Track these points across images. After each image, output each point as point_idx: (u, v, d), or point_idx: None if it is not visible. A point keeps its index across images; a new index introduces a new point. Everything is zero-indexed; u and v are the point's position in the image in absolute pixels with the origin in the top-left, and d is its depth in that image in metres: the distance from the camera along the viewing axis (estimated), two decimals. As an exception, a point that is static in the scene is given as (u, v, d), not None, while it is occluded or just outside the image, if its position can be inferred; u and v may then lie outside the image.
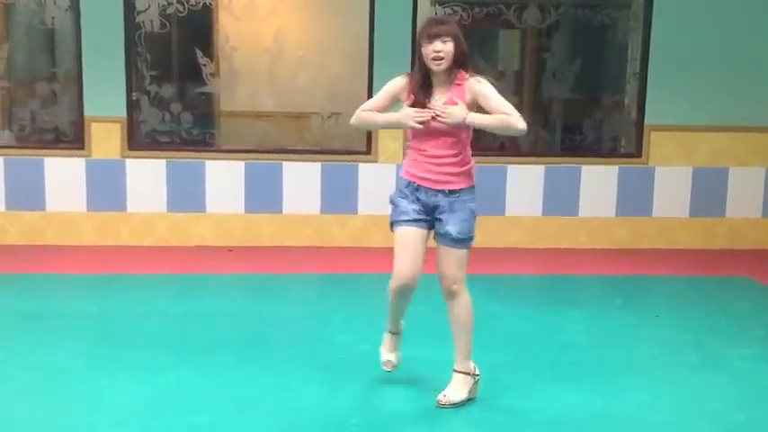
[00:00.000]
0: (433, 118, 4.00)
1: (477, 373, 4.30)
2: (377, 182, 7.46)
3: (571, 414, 4.14)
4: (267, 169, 7.66)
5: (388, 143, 7.59)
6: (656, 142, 7.83)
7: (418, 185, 4.10)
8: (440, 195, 4.08)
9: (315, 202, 7.69)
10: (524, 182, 7.83)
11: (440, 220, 4.10)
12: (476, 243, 7.76)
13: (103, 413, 4.05)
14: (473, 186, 4.17)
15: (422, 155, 4.10)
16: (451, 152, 4.07)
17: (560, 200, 7.87)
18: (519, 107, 8.45)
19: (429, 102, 4.05)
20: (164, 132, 7.76)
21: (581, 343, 5.26)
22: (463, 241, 4.12)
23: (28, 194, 7.54)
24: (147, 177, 7.59)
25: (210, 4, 7.71)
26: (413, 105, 4.07)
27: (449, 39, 3.99)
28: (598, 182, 7.86)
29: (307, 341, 5.15)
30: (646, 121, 7.80)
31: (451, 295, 4.21)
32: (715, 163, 7.91)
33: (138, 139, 7.63)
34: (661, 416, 4.18)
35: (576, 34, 8.33)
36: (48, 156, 7.54)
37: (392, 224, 4.20)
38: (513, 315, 5.81)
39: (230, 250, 7.54)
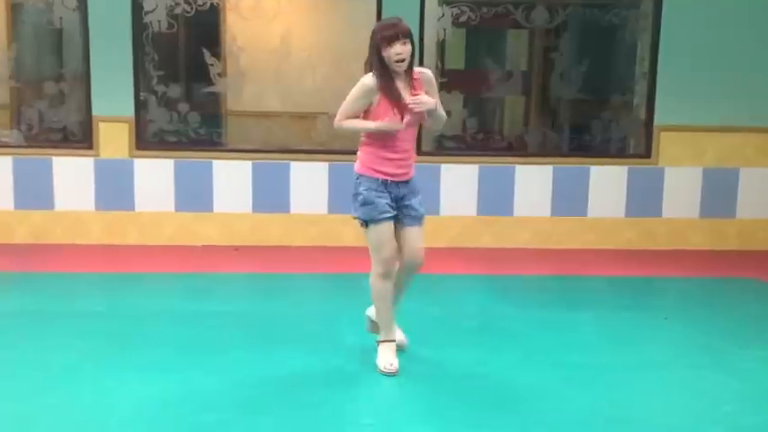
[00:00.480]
0: (409, 111, 4.36)
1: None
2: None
3: (581, 416, 4.11)
4: (274, 169, 7.65)
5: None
6: (665, 143, 7.80)
7: (390, 181, 4.48)
8: (403, 185, 4.52)
9: (322, 201, 7.68)
10: (533, 182, 7.80)
11: (406, 206, 4.54)
12: (484, 243, 7.78)
13: (111, 412, 4.03)
14: None
15: (390, 152, 4.46)
16: (411, 146, 4.56)
17: (569, 200, 7.84)
18: (527, 107, 8.59)
19: (402, 99, 4.37)
20: (171, 132, 7.76)
21: (590, 344, 5.23)
22: (424, 216, 4.62)
23: (36, 194, 7.55)
24: (154, 177, 7.60)
25: (218, 4, 7.71)
26: (390, 105, 4.36)
27: (407, 40, 4.34)
28: (607, 182, 7.83)
29: (315, 341, 5.13)
30: (655, 122, 7.77)
31: (417, 268, 4.66)
32: (725, 163, 7.87)
33: (146, 139, 7.64)
34: (672, 418, 4.14)
35: (585, 34, 8.30)
36: (56, 155, 7.55)
37: (370, 221, 4.50)
38: (522, 316, 5.78)
39: (237, 250, 7.54)
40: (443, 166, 7.74)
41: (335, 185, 7.64)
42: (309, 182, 7.67)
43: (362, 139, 4.57)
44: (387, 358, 4.61)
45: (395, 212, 4.52)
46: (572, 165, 7.85)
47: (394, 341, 4.69)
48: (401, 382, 4.50)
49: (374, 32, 4.43)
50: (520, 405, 4.24)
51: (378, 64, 4.37)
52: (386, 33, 4.33)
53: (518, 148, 8.11)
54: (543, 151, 8.10)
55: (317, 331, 5.31)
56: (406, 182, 4.56)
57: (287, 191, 7.67)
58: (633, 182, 7.86)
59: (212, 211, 7.69)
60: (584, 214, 7.88)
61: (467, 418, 4.05)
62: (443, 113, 4.65)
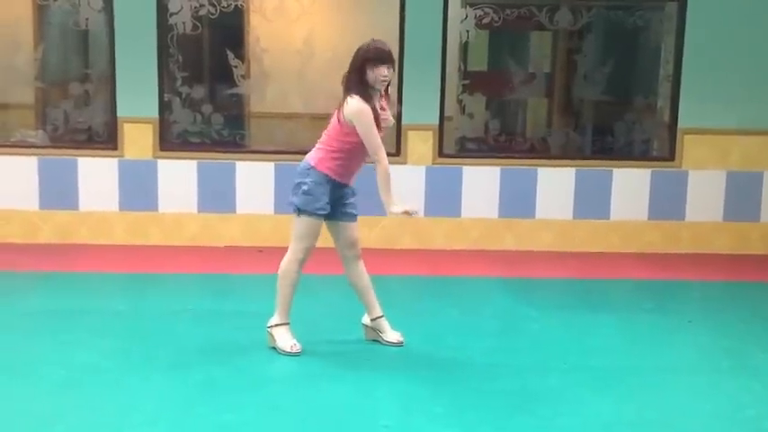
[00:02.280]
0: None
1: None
2: (406, 183, 7.42)
3: (602, 420, 4.10)
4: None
5: (417, 145, 7.58)
6: (689, 145, 7.75)
7: (336, 182, 4.82)
8: (345, 186, 4.88)
9: (344, 203, 7.68)
10: (555, 185, 7.77)
11: (345, 204, 4.91)
12: (505, 246, 7.75)
13: (134, 411, 4.07)
14: None
15: (356, 165, 4.87)
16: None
17: (592, 203, 7.81)
18: (550, 109, 8.56)
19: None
20: (195, 133, 7.81)
21: (612, 347, 5.21)
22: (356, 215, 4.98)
23: (61, 194, 7.62)
24: (178, 178, 7.64)
25: (242, 5, 7.75)
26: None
27: (392, 66, 4.76)
28: (630, 185, 7.79)
29: (336, 342, 5.15)
30: (679, 125, 7.72)
31: (359, 257, 5.00)
32: (749, 167, 7.81)
33: (170, 140, 7.69)
34: (694, 422, 4.12)
35: (609, 36, 8.27)
36: (81, 156, 7.62)
37: (305, 212, 4.82)
38: (544, 319, 5.76)
39: (260, 251, 7.56)
40: (465, 168, 7.73)
41: (358, 187, 7.59)
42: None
43: (332, 146, 4.81)
44: (287, 340, 4.91)
45: (327, 212, 4.83)
46: (595, 167, 7.81)
47: (288, 323, 4.97)
48: (419, 383, 4.51)
49: (363, 50, 4.74)
50: (540, 408, 4.23)
51: (359, 81, 4.71)
52: (378, 54, 4.69)
53: (540, 150, 8.09)
54: (566, 153, 8.07)
55: (338, 331, 5.33)
56: (348, 186, 4.92)
57: (309, 192, 7.67)
58: (656, 184, 7.81)
59: (235, 211, 7.73)
60: (607, 217, 7.84)
61: (486, 421, 4.05)
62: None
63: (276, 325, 4.96)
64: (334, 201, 4.86)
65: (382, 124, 4.81)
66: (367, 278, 5.06)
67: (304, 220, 4.84)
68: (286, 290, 4.98)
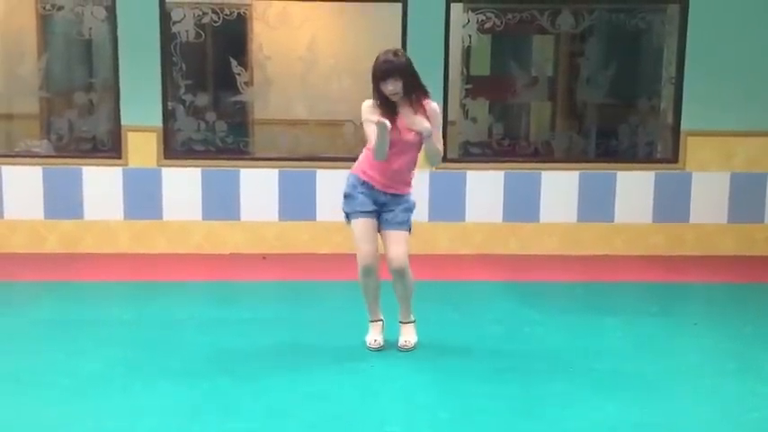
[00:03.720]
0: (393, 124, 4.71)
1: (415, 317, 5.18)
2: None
3: (608, 423, 4.10)
4: (301, 177, 7.69)
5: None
6: (692, 147, 7.74)
7: (373, 186, 4.88)
8: (387, 195, 4.90)
9: (348, 209, 7.69)
10: (559, 188, 7.77)
11: (388, 211, 4.92)
12: (510, 250, 7.76)
13: (140, 420, 4.08)
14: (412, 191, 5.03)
15: (384, 163, 4.82)
16: (405, 167, 4.89)
17: (596, 206, 7.81)
18: (553, 112, 8.56)
19: (396, 117, 4.78)
20: (199, 141, 7.83)
21: (618, 351, 5.21)
22: (406, 223, 4.97)
23: (66, 203, 7.64)
24: (182, 185, 7.66)
25: (245, 13, 7.77)
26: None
27: (398, 76, 4.70)
28: (634, 188, 7.79)
29: (341, 348, 5.15)
30: (682, 127, 7.72)
31: (398, 271, 4.96)
32: (753, 168, 7.80)
33: (174, 148, 7.71)
34: (700, 425, 4.12)
35: (611, 39, 8.27)
36: (85, 165, 7.64)
37: (350, 214, 5.00)
38: (549, 322, 5.76)
39: (264, 258, 7.58)
40: (469, 173, 7.74)
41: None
42: (336, 189, 7.63)
43: (365, 150, 4.97)
44: (370, 335, 5.13)
45: (373, 210, 4.91)
46: (599, 170, 7.81)
47: (380, 321, 5.16)
48: (425, 388, 4.52)
49: (373, 66, 4.79)
50: (546, 411, 4.23)
51: (377, 93, 4.80)
52: (379, 71, 4.74)
53: (544, 154, 8.09)
54: (569, 157, 8.08)
55: (344, 338, 5.33)
56: (393, 194, 4.92)
57: (313, 198, 7.70)
58: (660, 187, 7.80)
59: (239, 218, 7.74)
60: (612, 220, 7.84)
61: (492, 426, 4.06)
62: (440, 148, 4.90)
63: (370, 321, 5.20)
64: (380, 206, 4.94)
65: (403, 130, 4.79)
66: (398, 296, 5.14)
67: (352, 224, 5.01)
68: (364, 296, 5.17)
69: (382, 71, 4.73)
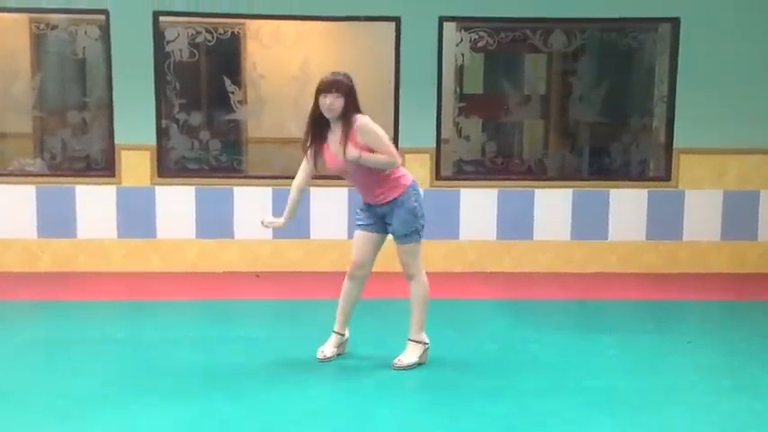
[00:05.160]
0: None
1: (428, 342, 5.15)
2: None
3: (604, 440, 4.09)
4: (295, 195, 7.67)
5: (415, 168, 7.56)
6: (685, 165, 7.78)
7: (365, 203, 5.12)
8: (380, 206, 5.02)
9: (342, 226, 7.70)
10: (552, 206, 7.80)
11: (387, 223, 5.05)
12: (504, 267, 7.72)
13: (134, 439, 4.06)
14: (406, 191, 4.99)
15: (357, 185, 5.10)
16: (364, 182, 4.99)
17: (589, 224, 7.83)
18: (546, 131, 8.59)
19: (325, 143, 4.97)
20: (192, 159, 7.83)
21: (612, 368, 5.20)
22: (405, 234, 5.00)
23: (59, 222, 7.63)
24: (176, 204, 7.66)
25: (238, 32, 7.81)
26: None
27: (337, 92, 4.83)
28: (627, 205, 7.82)
29: (336, 366, 5.14)
30: (675, 144, 7.76)
31: (409, 277, 5.09)
32: (745, 186, 7.84)
33: (168, 167, 7.71)
34: (696, 442, 4.12)
35: (603, 58, 8.32)
36: (79, 184, 7.64)
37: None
38: (543, 340, 5.76)
39: (258, 276, 7.56)
40: (462, 191, 7.76)
41: (355, 211, 7.65)
42: (329, 207, 7.71)
43: None
44: (325, 347, 5.23)
45: (373, 222, 5.09)
46: (592, 188, 7.84)
47: (341, 335, 5.27)
48: (419, 407, 4.50)
49: (319, 81, 4.94)
50: (541, 430, 4.22)
51: (314, 109, 4.95)
52: (323, 84, 4.88)
53: (537, 172, 8.12)
54: (563, 175, 8.11)
55: (338, 357, 5.31)
56: (386, 203, 5.01)
57: (307, 216, 7.70)
58: (653, 205, 7.83)
59: (233, 237, 7.74)
60: (605, 238, 7.86)
61: (488, 444, 4.04)
62: (382, 159, 4.87)
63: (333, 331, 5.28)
64: (381, 218, 5.08)
65: (329, 159, 4.96)
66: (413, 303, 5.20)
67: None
68: (340, 300, 5.30)
69: (327, 83, 4.85)
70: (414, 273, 5.08)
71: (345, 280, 5.24)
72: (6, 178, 7.65)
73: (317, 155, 4.99)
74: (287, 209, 5.18)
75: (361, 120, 4.87)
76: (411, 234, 5.01)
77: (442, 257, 7.75)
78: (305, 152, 5.06)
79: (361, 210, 5.17)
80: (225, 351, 5.44)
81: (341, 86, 4.85)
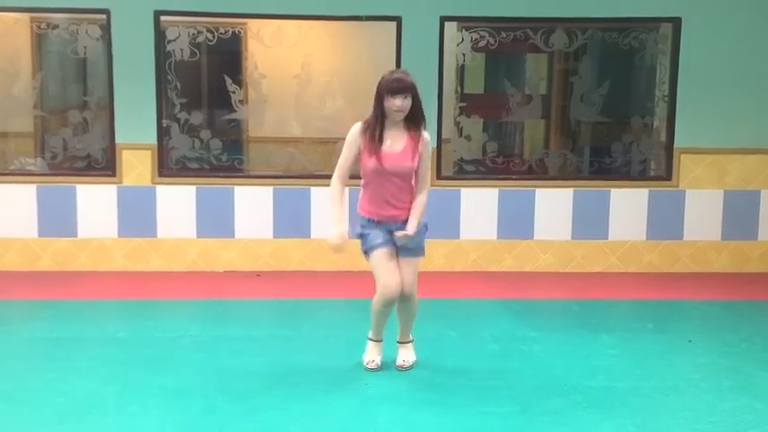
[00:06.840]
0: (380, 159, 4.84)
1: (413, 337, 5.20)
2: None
3: (604, 440, 4.09)
4: (295, 194, 7.69)
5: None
6: (686, 165, 7.78)
7: (378, 221, 4.93)
8: (394, 225, 4.90)
9: (343, 226, 7.68)
10: (553, 205, 7.79)
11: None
12: (505, 267, 7.74)
13: (134, 439, 4.06)
14: None
15: (382, 191, 4.91)
16: (400, 193, 4.90)
17: (590, 223, 7.82)
18: (547, 130, 8.59)
19: (380, 146, 4.84)
20: (193, 159, 7.83)
21: (613, 368, 5.20)
22: (417, 249, 4.97)
23: (60, 221, 7.63)
24: (176, 203, 7.66)
25: (239, 32, 7.80)
26: (368, 152, 4.86)
27: (408, 94, 4.76)
28: (628, 205, 7.81)
29: (336, 367, 5.14)
30: (675, 144, 7.75)
31: (405, 297, 4.96)
32: (746, 185, 7.83)
33: (169, 166, 7.71)
34: (696, 442, 4.12)
35: (604, 57, 8.32)
36: (79, 183, 7.63)
37: (369, 250, 4.96)
38: (544, 340, 5.76)
39: (258, 275, 7.57)
40: (463, 190, 7.76)
41: (356, 210, 7.65)
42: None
43: (361, 181, 5.00)
44: (367, 355, 5.12)
45: (389, 239, 4.90)
46: (593, 188, 7.84)
47: (381, 342, 5.15)
48: (421, 407, 4.50)
49: (380, 82, 4.82)
50: (542, 430, 4.22)
51: (377, 111, 4.82)
52: (391, 85, 4.75)
53: (538, 172, 8.12)
54: (563, 174, 8.10)
55: (339, 356, 5.32)
56: (402, 222, 4.89)
57: (308, 216, 7.70)
58: (654, 204, 7.83)
59: (234, 236, 7.74)
60: (606, 237, 7.86)
61: (489, 444, 4.05)
62: (426, 186, 4.96)
63: (368, 338, 5.18)
64: (393, 234, 4.91)
65: (386, 160, 4.81)
66: (401, 318, 5.17)
67: (371, 257, 4.96)
68: (374, 320, 5.10)
69: (395, 86, 4.75)
70: (414, 291, 4.99)
71: (378, 305, 4.97)
72: (7, 177, 7.64)
73: (374, 154, 4.83)
74: (343, 218, 4.98)
75: (427, 137, 4.93)
76: (421, 248, 5.00)
77: (442, 257, 7.75)
78: (366, 154, 4.88)
79: (372, 230, 4.94)
80: (225, 351, 5.44)
81: (413, 88, 4.79)
